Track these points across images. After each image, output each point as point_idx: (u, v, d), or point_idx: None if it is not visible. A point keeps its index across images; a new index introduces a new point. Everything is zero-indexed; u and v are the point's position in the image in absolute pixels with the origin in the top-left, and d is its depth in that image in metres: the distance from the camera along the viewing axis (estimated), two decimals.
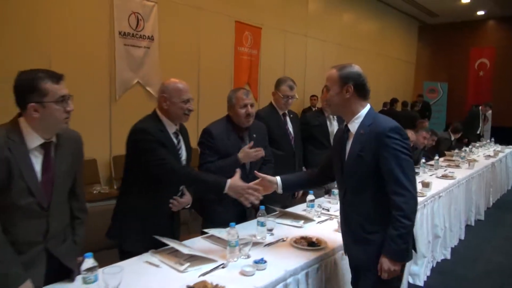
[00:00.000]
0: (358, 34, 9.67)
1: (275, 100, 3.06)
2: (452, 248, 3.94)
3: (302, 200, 3.00)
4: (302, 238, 2.14)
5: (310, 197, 2.61)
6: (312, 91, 7.87)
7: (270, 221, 2.26)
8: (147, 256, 1.88)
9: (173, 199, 2.10)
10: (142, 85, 4.95)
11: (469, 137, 7.21)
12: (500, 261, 3.81)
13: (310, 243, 2.08)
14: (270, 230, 2.24)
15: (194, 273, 1.71)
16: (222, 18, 6.04)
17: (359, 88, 1.73)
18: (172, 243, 1.91)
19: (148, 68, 4.95)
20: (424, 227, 3.26)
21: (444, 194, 3.69)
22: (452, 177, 4.11)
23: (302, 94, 7.68)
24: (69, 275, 1.64)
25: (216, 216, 2.43)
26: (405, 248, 1.63)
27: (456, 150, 5.61)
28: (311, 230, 2.35)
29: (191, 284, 1.57)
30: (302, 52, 7.95)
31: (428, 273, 3.37)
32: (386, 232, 1.64)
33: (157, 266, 1.79)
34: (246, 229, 2.24)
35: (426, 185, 3.44)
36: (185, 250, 1.82)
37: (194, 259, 1.82)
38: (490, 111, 8.42)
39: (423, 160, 4.43)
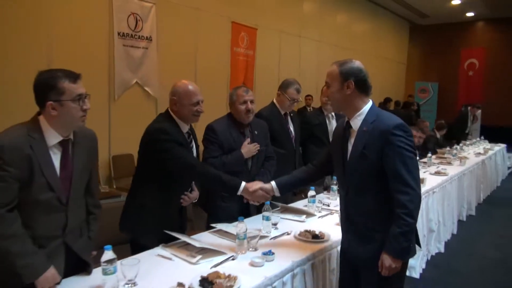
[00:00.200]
0: (351, 35, 9.82)
1: (280, 101, 3.12)
2: (445, 242, 4.07)
3: (299, 197, 3.10)
4: (306, 231, 2.22)
5: (311, 192, 2.70)
6: (307, 91, 7.97)
7: (275, 216, 2.35)
8: (159, 250, 1.95)
9: (184, 194, 2.17)
10: (141, 86, 5.00)
11: (459, 137, 7.40)
12: (491, 255, 3.95)
13: (314, 236, 2.16)
14: (275, 224, 2.32)
15: (206, 265, 1.78)
16: (219, 19, 6.11)
17: (360, 84, 1.70)
18: (183, 237, 1.99)
19: (147, 68, 5.00)
20: (419, 221, 3.36)
21: (437, 190, 3.82)
22: (445, 174, 4.24)
23: None
24: (84, 269, 1.70)
25: (220, 211, 2.51)
26: (407, 246, 1.61)
27: (448, 148, 5.78)
28: (313, 224, 2.44)
29: (205, 275, 1.64)
30: (296, 52, 8.06)
31: (424, 266, 3.50)
32: (388, 230, 1.61)
33: (169, 259, 1.86)
34: (250, 224, 2.30)
35: (421, 181, 3.55)
36: (196, 244, 1.89)
37: (204, 252, 1.89)
38: (479, 111, 8.67)
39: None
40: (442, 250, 3.93)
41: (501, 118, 11.15)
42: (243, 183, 2.08)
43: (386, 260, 1.61)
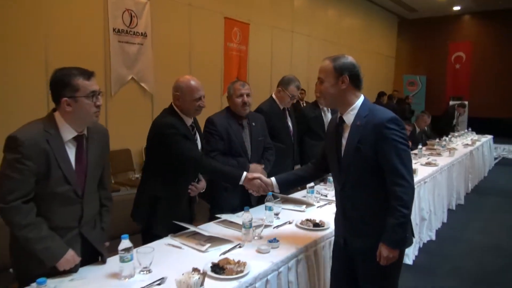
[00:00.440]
0: (341, 30, 9.94)
1: (280, 97, 3.22)
2: (436, 230, 4.23)
3: (296, 189, 3.20)
4: (307, 220, 2.33)
5: (310, 184, 2.81)
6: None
7: (277, 206, 2.45)
8: (168, 240, 2.03)
9: (192, 185, 2.26)
10: (137, 81, 5.03)
11: (446, 131, 7.63)
12: (480, 241, 4.13)
13: (315, 224, 2.27)
14: (277, 214, 2.42)
15: (215, 253, 1.87)
16: (212, 14, 6.15)
17: (354, 79, 1.72)
18: (192, 227, 2.07)
19: (142, 64, 5.03)
20: (412, 210, 3.50)
21: (428, 180, 3.97)
22: (435, 164, 4.39)
23: None
24: (97, 259, 1.78)
25: (223, 202, 2.61)
26: (403, 237, 1.65)
27: (437, 140, 5.96)
28: (312, 213, 2.54)
29: (215, 261, 1.73)
30: (288, 47, 8.14)
31: (416, 253, 3.64)
32: (385, 222, 1.64)
33: (179, 247, 1.95)
34: (252, 214, 2.41)
35: (413, 171, 3.69)
36: (205, 233, 1.98)
37: (212, 241, 1.98)
38: (465, 109, 8.97)
39: None
40: (434, 238, 4.09)
41: (487, 110, 11.44)
42: (244, 173, 2.15)
43: (384, 251, 1.65)
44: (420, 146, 4.99)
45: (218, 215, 2.36)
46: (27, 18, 3.96)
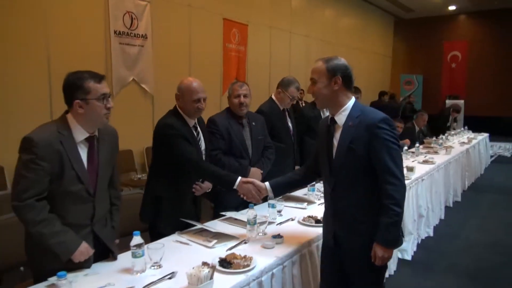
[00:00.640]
0: (338, 30, 10.03)
1: (280, 98, 3.28)
2: (434, 227, 4.32)
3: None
4: (309, 217, 2.40)
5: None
6: None
7: (279, 204, 2.52)
8: (175, 236, 2.10)
9: (196, 184, 2.33)
10: (137, 83, 5.09)
11: (442, 132, 7.74)
12: (476, 237, 4.21)
13: (317, 221, 2.34)
14: (279, 211, 2.50)
15: (221, 249, 1.94)
16: (211, 15, 6.21)
17: (346, 80, 1.74)
18: (199, 225, 2.14)
19: (143, 65, 5.09)
20: (410, 207, 3.59)
21: (426, 178, 4.05)
22: (432, 162, 4.48)
23: None
24: (107, 256, 1.85)
25: (226, 201, 2.68)
26: (397, 236, 1.67)
27: (434, 138, 6.06)
28: (314, 210, 2.62)
29: (223, 256, 1.80)
30: (286, 47, 8.21)
31: (415, 249, 3.73)
32: (377, 220, 1.66)
33: (187, 244, 2.01)
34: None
35: (410, 169, 3.78)
36: (212, 230, 2.05)
37: (218, 237, 2.05)
38: (460, 111, 9.12)
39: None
40: (431, 234, 4.18)
41: (483, 108, 11.56)
42: (239, 178, 2.17)
43: (379, 251, 1.66)
44: (417, 145, 5.09)
45: (223, 213, 2.43)
46: (28, 20, 4.00)
